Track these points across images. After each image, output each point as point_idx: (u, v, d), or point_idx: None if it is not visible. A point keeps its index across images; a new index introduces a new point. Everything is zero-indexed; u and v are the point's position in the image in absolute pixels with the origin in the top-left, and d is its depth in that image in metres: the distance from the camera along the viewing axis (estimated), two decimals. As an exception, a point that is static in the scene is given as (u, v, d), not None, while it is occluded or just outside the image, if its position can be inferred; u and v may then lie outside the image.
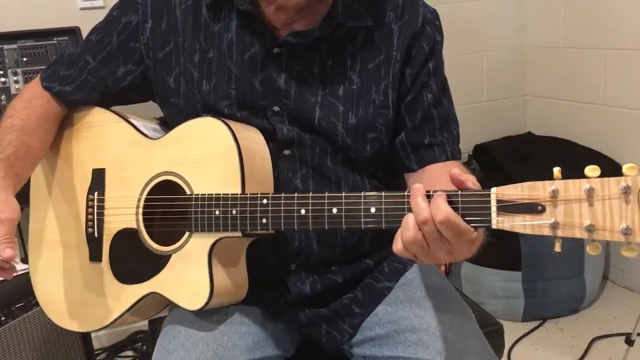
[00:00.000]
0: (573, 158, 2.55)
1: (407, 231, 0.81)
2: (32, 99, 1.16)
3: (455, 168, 0.83)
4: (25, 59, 1.78)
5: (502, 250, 2.26)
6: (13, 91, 1.77)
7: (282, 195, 0.94)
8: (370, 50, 1.07)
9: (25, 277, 1.50)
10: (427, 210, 0.80)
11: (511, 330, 2.20)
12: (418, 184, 0.83)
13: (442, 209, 0.79)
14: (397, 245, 0.83)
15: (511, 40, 2.84)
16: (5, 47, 1.78)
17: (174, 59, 1.10)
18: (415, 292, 1.13)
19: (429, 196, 0.82)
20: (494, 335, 1.20)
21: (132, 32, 1.13)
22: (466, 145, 2.72)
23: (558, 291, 2.35)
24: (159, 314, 1.19)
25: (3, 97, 1.76)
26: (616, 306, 2.45)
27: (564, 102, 2.75)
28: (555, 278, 2.31)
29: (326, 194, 0.90)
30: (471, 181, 0.82)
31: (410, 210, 0.82)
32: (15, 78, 1.78)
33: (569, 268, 2.33)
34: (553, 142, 2.73)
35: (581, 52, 2.63)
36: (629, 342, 1.82)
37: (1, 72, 1.76)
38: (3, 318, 1.45)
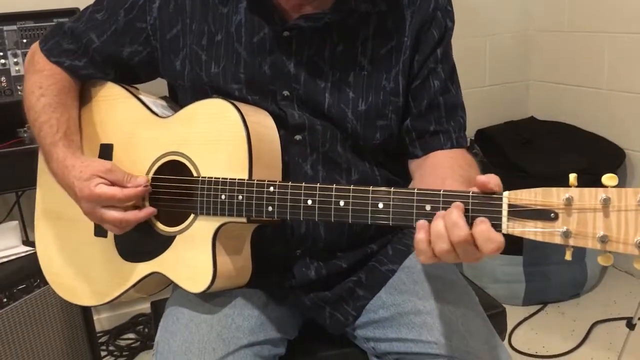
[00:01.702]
0: (576, 143, 2.54)
1: (442, 244, 0.79)
2: (53, 74, 1.14)
3: (482, 176, 0.79)
4: (25, 41, 1.77)
5: (504, 234, 2.26)
6: (13, 73, 1.76)
7: (290, 184, 0.93)
8: (382, 36, 1.06)
9: (28, 259, 1.51)
10: (467, 230, 0.78)
11: (512, 315, 2.20)
12: (458, 203, 0.80)
13: (494, 239, 0.76)
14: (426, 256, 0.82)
15: (515, 24, 2.82)
16: (5, 28, 1.76)
17: (182, 41, 1.09)
18: (419, 275, 1.13)
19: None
20: (496, 317, 1.20)
21: (138, 12, 1.11)
22: (468, 130, 2.68)
23: (559, 275, 2.36)
24: (162, 294, 1.19)
25: (3, 78, 1.74)
26: (617, 291, 2.45)
27: (567, 87, 2.74)
28: (557, 262, 2.32)
29: (334, 186, 0.89)
30: (498, 186, 0.80)
31: (419, 208, 0.81)
32: (15, 60, 1.76)
33: (571, 253, 2.33)
34: (556, 126, 2.72)
35: (585, 36, 2.61)
36: (630, 325, 1.82)
37: (1, 53, 1.75)
38: (5, 300, 1.45)
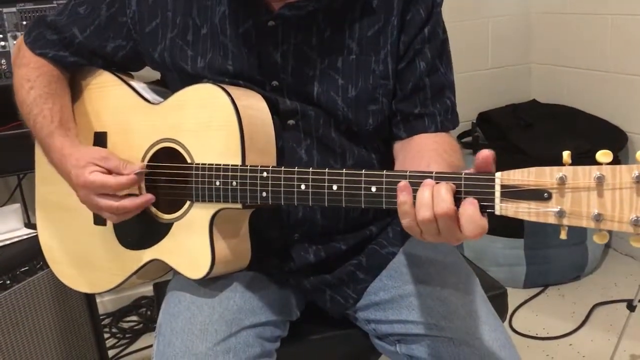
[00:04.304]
0: (578, 126, 2.53)
1: (425, 211, 0.79)
2: (40, 66, 1.14)
3: (483, 151, 0.78)
4: (25, 23, 1.76)
5: (505, 217, 2.26)
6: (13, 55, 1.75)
7: (282, 169, 0.93)
8: (369, 16, 1.04)
9: (30, 241, 1.52)
10: (452, 205, 0.77)
11: (513, 297, 2.21)
12: (450, 183, 0.79)
13: (478, 222, 0.76)
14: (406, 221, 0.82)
15: (516, 6, 2.80)
16: (5, 10, 1.75)
17: (160, 35, 1.08)
18: (419, 257, 1.13)
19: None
20: (497, 299, 1.20)
21: (119, 6, 1.10)
22: (470, 113, 2.71)
23: (560, 258, 2.36)
24: (164, 277, 1.19)
25: (3, 61, 1.74)
26: (618, 273, 2.46)
27: (569, 69, 2.72)
28: (558, 245, 2.32)
29: (326, 170, 0.89)
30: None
31: (412, 190, 0.80)
32: (15, 42, 1.75)
33: (571, 235, 2.30)
34: (558, 109, 2.71)
35: (587, 18, 2.59)
36: (631, 307, 1.83)
37: (1, 35, 1.74)
38: (8, 282, 1.45)
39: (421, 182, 0.81)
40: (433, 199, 0.78)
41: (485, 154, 0.78)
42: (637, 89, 2.43)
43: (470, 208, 0.77)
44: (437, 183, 0.79)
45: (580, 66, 2.67)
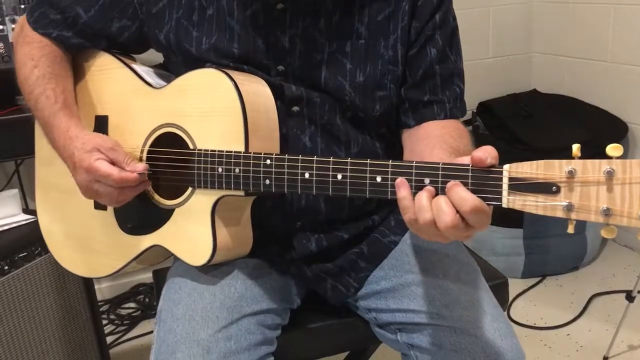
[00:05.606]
0: (578, 116, 2.53)
1: (425, 213, 0.78)
2: (43, 46, 1.12)
3: (477, 151, 0.77)
4: (23, 6, 1.74)
5: (505, 208, 2.26)
6: (11, 39, 1.73)
7: (286, 157, 0.91)
8: (379, 1, 1.03)
9: (28, 227, 1.51)
10: (450, 213, 0.76)
11: (511, 287, 2.20)
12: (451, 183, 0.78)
13: (467, 198, 0.76)
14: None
15: (518, -6, 2.79)
16: (2, -7, 1.73)
17: (167, 16, 1.06)
18: (421, 246, 1.12)
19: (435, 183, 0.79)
20: (498, 288, 1.20)
21: None
22: (470, 103, 2.68)
23: (559, 249, 2.36)
24: (163, 262, 1.19)
25: (1, 44, 1.72)
26: (616, 264, 2.47)
27: (570, 59, 2.71)
28: (557, 235, 2.32)
29: (331, 159, 0.88)
30: (495, 158, 0.78)
31: (417, 181, 0.80)
32: (13, 26, 1.73)
33: (571, 226, 2.34)
34: (558, 99, 2.71)
35: (589, 7, 2.58)
36: (630, 298, 1.83)
37: (-1, 19, 1.72)
38: (6, 267, 1.45)
39: (427, 173, 0.80)
40: (432, 210, 0.78)
41: (479, 156, 0.76)
42: (638, 80, 2.43)
43: (455, 188, 0.76)
44: (444, 182, 0.78)
45: (581, 56, 2.66)
